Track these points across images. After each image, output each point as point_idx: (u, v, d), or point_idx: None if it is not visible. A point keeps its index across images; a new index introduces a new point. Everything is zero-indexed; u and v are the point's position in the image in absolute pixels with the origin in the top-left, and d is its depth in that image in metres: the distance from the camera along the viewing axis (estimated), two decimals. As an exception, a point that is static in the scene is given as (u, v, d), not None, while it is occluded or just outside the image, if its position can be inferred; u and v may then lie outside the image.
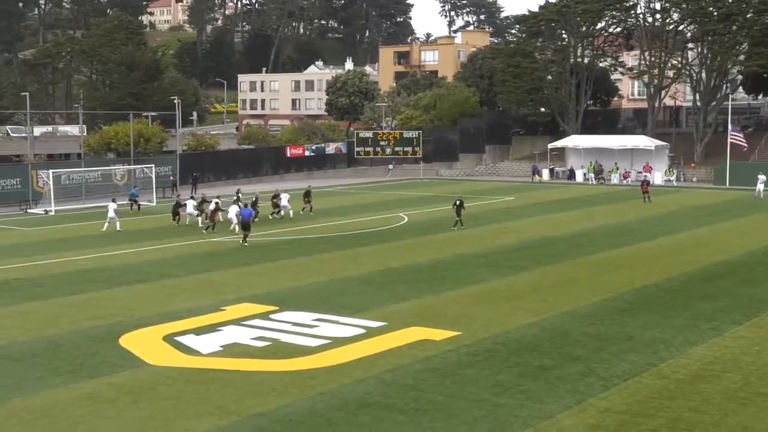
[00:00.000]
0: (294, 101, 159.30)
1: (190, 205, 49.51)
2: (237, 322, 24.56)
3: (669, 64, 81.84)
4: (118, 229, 46.14)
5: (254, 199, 50.02)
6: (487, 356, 20.89)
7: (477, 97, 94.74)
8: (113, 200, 49.93)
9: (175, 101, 76.40)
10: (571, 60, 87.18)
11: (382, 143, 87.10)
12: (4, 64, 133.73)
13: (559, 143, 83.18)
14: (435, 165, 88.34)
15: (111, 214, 47.31)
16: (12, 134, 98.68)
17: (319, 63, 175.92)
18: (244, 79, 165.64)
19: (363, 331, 23.34)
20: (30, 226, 50.04)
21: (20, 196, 60.19)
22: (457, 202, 46.07)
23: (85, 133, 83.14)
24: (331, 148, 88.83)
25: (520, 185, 75.17)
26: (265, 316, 25.29)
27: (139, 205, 56.03)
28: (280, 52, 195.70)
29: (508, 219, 49.78)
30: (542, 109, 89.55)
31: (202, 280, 31.71)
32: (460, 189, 69.09)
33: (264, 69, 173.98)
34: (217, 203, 46.72)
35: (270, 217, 50.23)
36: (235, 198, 49.38)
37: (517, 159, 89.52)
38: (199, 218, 48.41)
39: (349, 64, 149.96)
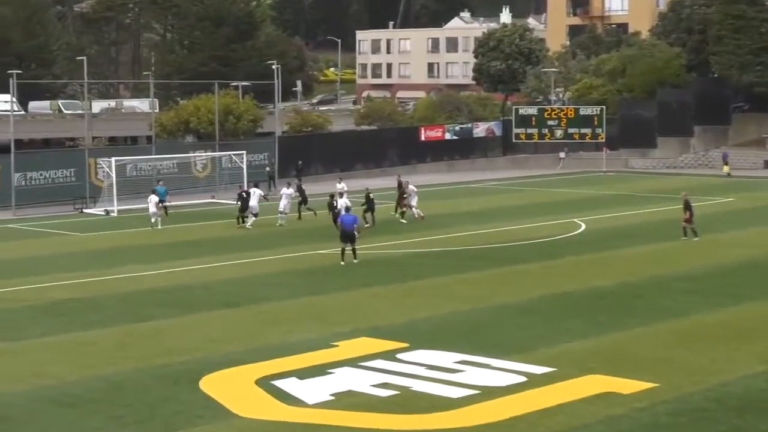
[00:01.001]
0: (431, 66, 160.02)
1: (256, 196, 50.51)
2: (353, 362, 24.82)
3: None
4: (159, 227, 49.11)
5: (370, 197, 50.47)
6: (696, 417, 20.48)
7: (683, 59, 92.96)
8: (154, 191, 51.84)
9: (274, 67, 77.78)
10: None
11: (550, 123, 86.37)
12: (57, 19, 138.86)
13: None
14: (623, 153, 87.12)
15: (152, 208, 49.49)
16: (65, 111, 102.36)
17: (466, 14, 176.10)
18: (364, 37, 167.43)
19: (523, 379, 23.24)
20: (86, 230, 51.85)
21: (75, 191, 62.24)
22: (689, 201, 45.13)
23: (156, 110, 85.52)
24: (480, 130, 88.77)
25: (742, 181, 73.31)
26: (390, 355, 25.47)
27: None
28: (413, 1, 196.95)
29: (727, 228, 48.76)
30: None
31: (307, 305, 32.19)
32: (661, 186, 67.98)
33: (391, 24, 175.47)
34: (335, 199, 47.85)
35: (396, 215, 50.95)
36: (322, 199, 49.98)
37: (738, 145, 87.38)
38: (253, 217, 49.81)
39: (505, 16, 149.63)
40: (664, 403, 21.35)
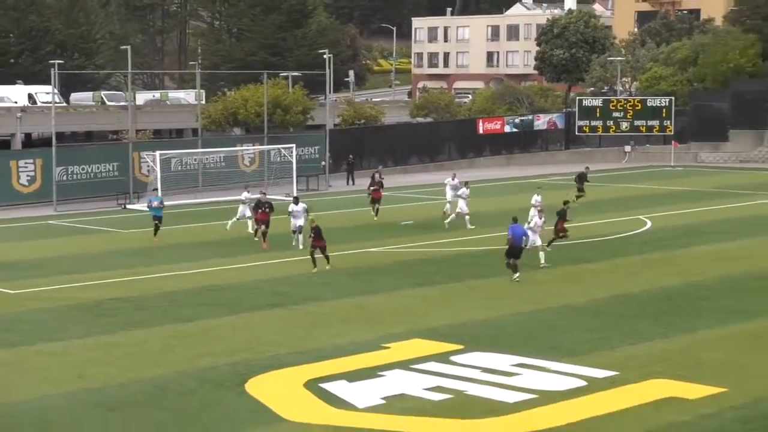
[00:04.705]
0: (490, 55, 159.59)
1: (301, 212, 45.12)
2: (405, 365, 25.02)
3: None
4: (249, 230, 47.08)
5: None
6: (766, 424, 20.49)
7: (758, 47, 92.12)
8: (247, 189, 50.12)
9: (326, 56, 78.01)
10: None
11: (615, 115, 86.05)
12: (100, 7, 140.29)
13: None
14: (693, 146, 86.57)
15: (245, 211, 47.70)
16: (108, 102, 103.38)
17: (528, 0, 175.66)
18: (420, 25, 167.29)
19: (583, 383, 23.32)
20: (130, 227, 52.39)
21: (118, 186, 62.83)
22: None
23: (203, 101, 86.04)
24: (541, 122, 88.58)
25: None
26: (444, 357, 25.65)
27: None
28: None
29: (803, 226, 48.42)
30: None
31: (358, 305, 32.45)
32: (733, 181, 67.60)
33: (449, 10, 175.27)
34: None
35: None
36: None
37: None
38: (250, 222, 47.50)
39: (570, 2, 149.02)
40: (733, 409, 21.34)
